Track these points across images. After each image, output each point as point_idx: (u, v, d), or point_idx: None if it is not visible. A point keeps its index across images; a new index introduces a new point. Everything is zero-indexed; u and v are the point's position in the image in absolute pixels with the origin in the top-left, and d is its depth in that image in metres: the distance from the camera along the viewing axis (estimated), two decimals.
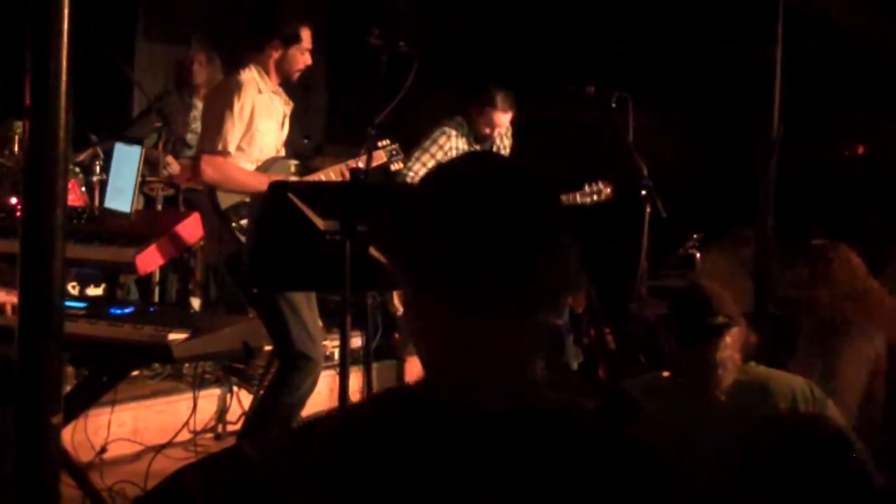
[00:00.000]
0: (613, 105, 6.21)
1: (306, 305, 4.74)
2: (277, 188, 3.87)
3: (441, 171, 1.63)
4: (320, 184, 4.80)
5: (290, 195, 3.78)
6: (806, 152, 8.92)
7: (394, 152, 5.54)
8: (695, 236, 6.85)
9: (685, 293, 3.85)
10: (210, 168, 4.81)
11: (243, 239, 4.64)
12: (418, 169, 6.21)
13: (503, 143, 6.48)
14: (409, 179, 6.18)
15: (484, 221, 1.48)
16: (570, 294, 1.58)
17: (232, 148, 4.81)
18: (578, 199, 6.36)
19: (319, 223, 3.76)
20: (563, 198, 6.30)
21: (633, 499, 1.45)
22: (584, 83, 6.36)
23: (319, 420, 1.61)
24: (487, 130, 6.28)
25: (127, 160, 4.34)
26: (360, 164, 5.25)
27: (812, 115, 8.84)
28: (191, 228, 4.16)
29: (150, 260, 4.02)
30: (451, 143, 6.31)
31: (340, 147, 7.66)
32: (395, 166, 5.57)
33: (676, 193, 7.32)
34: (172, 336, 3.44)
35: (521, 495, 1.42)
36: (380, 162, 5.43)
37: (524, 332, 1.51)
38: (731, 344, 3.49)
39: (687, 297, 3.76)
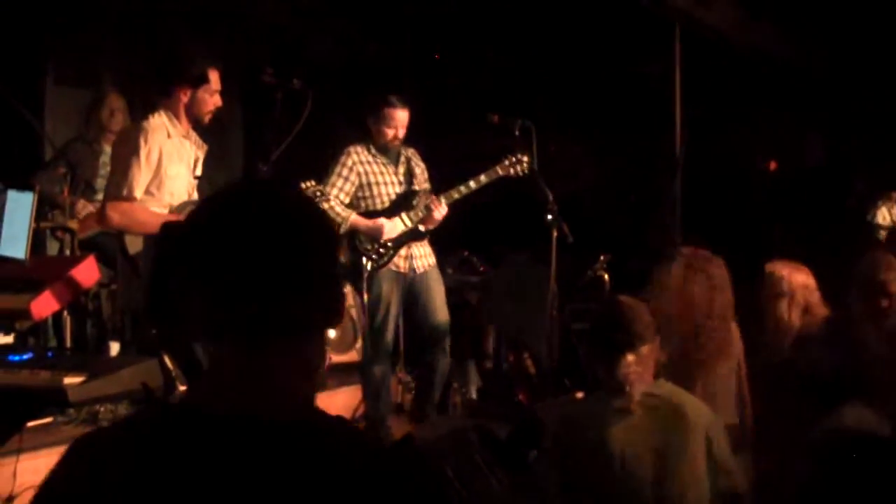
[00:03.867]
0: (517, 133, 6.34)
1: None
2: (170, 228, 3.89)
3: (210, 201, 1.71)
4: None
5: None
6: (716, 170, 9.08)
7: (318, 193, 5.56)
8: (602, 258, 6.93)
9: (602, 309, 3.98)
10: (116, 214, 4.85)
11: None
12: (329, 191, 6.26)
13: (416, 164, 6.52)
14: (325, 204, 6.22)
15: (246, 259, 1.56)
16: (333, 322, 1.66)
17: (138, 193, 4.84)
18: (500, 171, 6.38)
19: None
20: (485, 176, 6.35)
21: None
22: (489, 113, 6.50)
23: (105, 429, 1.71)
24: (389, 131, 6.32)
25: (19, 207, 4.34)
26: None
27: (719, 132, 9.02)
28: (86, 272, 4.15)
29: (45, 306, 4.01)
30: (354, 158, 6.37)
31: None
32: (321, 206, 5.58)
33: (585, 217, 7.44)
34: (68, 380, 3.44)
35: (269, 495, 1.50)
36: None
37: (281, 354, 1.60)
38: (634, 361, 3.58)
39: (601, 313, 3.91)
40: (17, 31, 7.67)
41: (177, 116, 5.02)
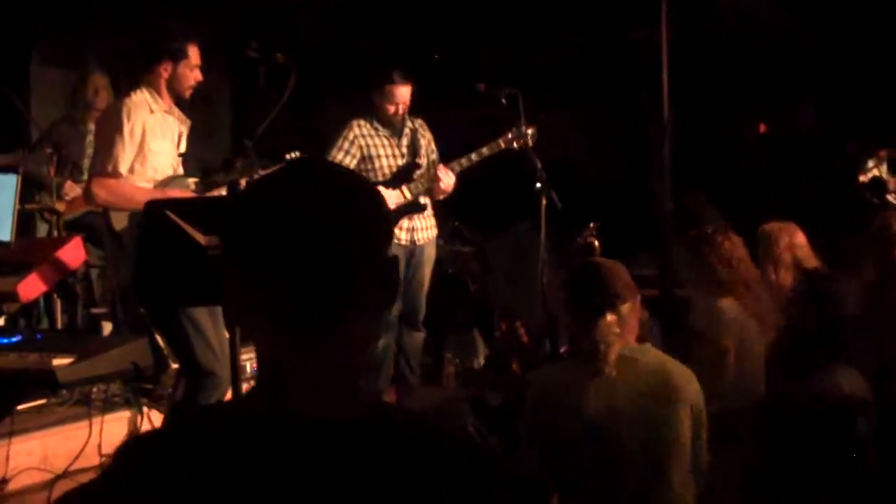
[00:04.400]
0: (503, 101, 6.32)
1: (210, 321, 4.73)
2: (154, 206, 3.88)
3: (262, 184, 1.62)
4: (197, 199, 4.81)
5: (168, 212, 3.80)
6: (706, 134, 9.06)
7: None
8: (591, 225, 6.92)
9: (577, 271, 3.87)
10: (102, 190, 4.84)
11: None
12: None
13: (421, 135, 6.54)
14: None
15: (301, 236, 1.49)
16: (389, 304, 1.61)
17: (123, 169, 4.84)
18: (502, 144, 6.38)
19: (200, 238, 3.77)
20: (487, 149, 6.35)
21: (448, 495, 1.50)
22: (475, 82, 6.48)
23: (157, 432, 1.64)
24: (391, 108, 6.37)
25: (3, 189, 4.34)
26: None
27: (708, 97, 9.00)
28: (73, 253, 4.17)
29: (32, 287, 4.02)
30: (356, 131, 6.41)
31: (246, 161, 7.65)
32: None
33: (576, 184, 7.43)
34: (57, 361, 3.46)
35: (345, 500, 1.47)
36: None
37: (346, 342, 1.54)
38: (612, 322, 3.52)
39: (577, 275, 3.81)
40: (1, 13, 7.64)
41: (158, 92, 5.01)
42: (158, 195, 4.80)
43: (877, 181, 8.51)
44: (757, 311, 4.94)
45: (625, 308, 3.59)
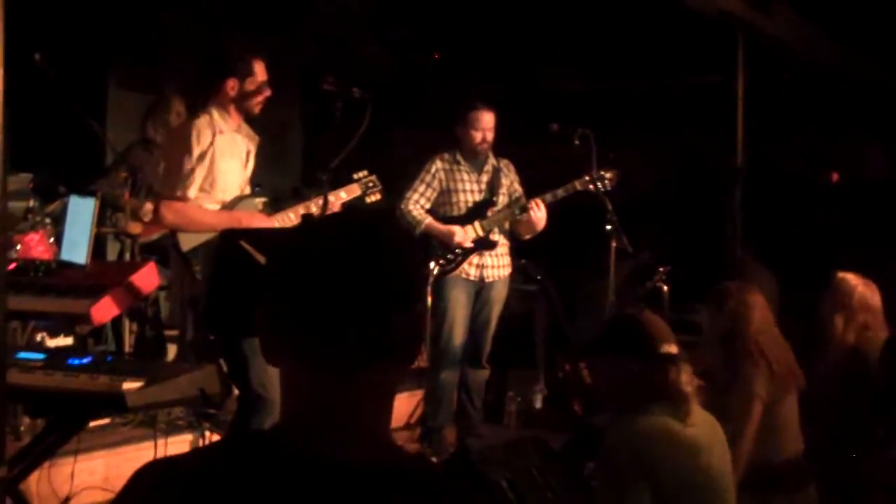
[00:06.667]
0: (577, 142, 6.30)
1: None
2: (230, 236, 3.91)
3: (305, 231, 1.68)
4: (270, 230, 4.84)
5: (243, 242, 3.83)
6: (778, 180, 8.98)
7: (370, 184, 5.53)
8: (661, 269, 6.87)
9: (642, 321, 3.54)
10: (170, 213, 4.87)
11: None
12: (410, 195, 6.44)
13: (504, 175, 6.56)
14: (402, 205, 6.38)
15: (339, 284, 1.53)
16: (411, 359, 1.64)
17: (192, 192, 4.85)
18: (578, 186, 6.35)
19: None
20: (562, 190, 6.34)
21: None
22: (550, 121, 6.48)
23: (174, 459, 1.66)
24: (476, 134, 6.41)
25: (81, 212, 4.38)
26: (342, 196, 5.31)
27: (780, 142, 8.93)
28: (146, 278, 4.18)
29: (105, 310, 4.05)
30: (438, 165, 6.49)
31: (318, 190, 7.72)
32: (370, 198, 5.56)
33: (646, 226, 7.38)
34: (127, 385, 3.47)
35: None
36: (353, 195, 5.45)
37: (375, 388, 1.58)
38: (690, 371, 3.39)
39: (645, 325, 3.49)
40: (80, 36, 7.76)
41: (226, 111, 5.00)
42: (225, 217, 4.83)
43: None
44: (778, 364, 4.75)
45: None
